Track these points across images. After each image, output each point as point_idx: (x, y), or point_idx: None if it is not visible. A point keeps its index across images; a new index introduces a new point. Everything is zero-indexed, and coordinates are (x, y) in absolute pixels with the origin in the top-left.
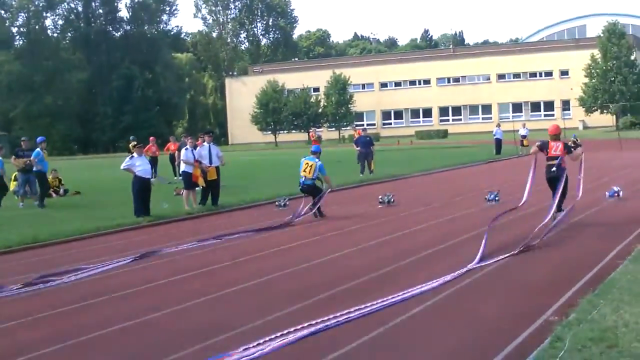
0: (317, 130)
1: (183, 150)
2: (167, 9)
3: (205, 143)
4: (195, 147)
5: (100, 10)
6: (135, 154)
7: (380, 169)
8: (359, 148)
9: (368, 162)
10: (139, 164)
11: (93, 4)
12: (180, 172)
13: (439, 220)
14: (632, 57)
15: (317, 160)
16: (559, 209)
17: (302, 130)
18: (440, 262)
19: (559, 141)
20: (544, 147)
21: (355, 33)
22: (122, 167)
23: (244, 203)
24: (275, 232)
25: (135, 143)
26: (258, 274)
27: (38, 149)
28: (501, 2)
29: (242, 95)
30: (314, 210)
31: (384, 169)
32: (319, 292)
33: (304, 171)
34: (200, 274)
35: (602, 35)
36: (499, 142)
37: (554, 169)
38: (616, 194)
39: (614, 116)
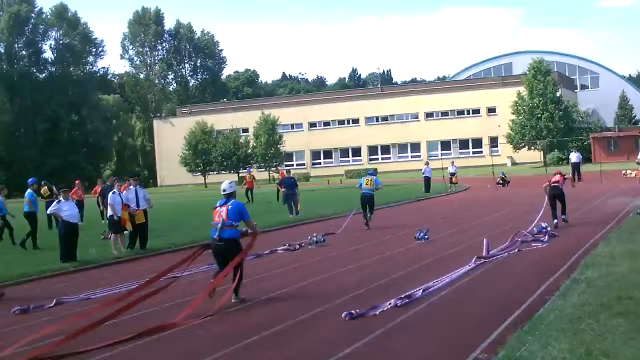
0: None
1: (110, 194)
2: (93, 50)
3: (131, 186)
4: (121, 190)
5: (24, 52)
6: (61, 198)
7: (310, 209)
8: (283, 189)
9: (294, 203)
10: (66, 209)
11: (16, 45)
12: (107, 215)
13: (365, 261)
14: (558, 94)
15: (375, 176)
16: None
17: (232, 171)
18: (367, 301)
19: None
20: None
21: (283, 73)
22: (48, 212)
23: (174, 246)
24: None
25: (47, 187)
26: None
27: None
28: (428, 41)
29: (171, 136)
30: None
31: (313, 208)
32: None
33: (366, 184)
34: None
35: (527, 72)
36: (427, 180)
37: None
38: (544, 230)
39: (541, 152)
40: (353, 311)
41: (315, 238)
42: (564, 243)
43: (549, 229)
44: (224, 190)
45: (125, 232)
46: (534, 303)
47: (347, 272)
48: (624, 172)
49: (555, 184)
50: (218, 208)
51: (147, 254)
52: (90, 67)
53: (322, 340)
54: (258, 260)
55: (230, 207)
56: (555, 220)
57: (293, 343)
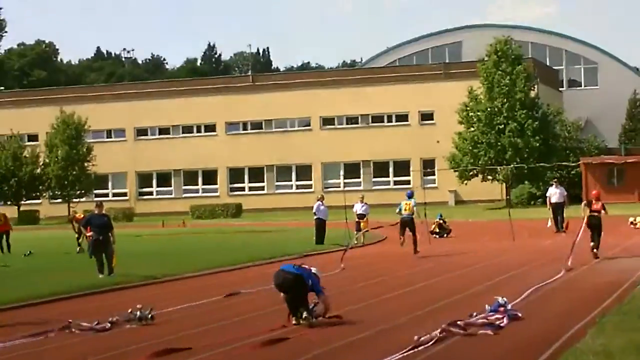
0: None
1: None
2: None
3: None
4: None
5: None
6: None
7: (132, 266)
8: (90, 234)
9: (107, 256)
10: None
11: None
12: None
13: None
14: (533, 94)
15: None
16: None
17: (10, 203)
18: None
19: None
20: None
21: (98, 49)
22: None
23: None
24: None
25: None
26: None
27: None
28: (328, 5)
29: None
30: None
31: (138, 267)
32: None
33: (405, 209)
34: None
35: (486, 58)
36: (321, 225)
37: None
38: (500, 309)
39: (503, 185)
40: None
41: (138, 313)
42: (531, 329)
43: (509, 306)
44: None
45: None
46: None
47: None
48: (632, 220)
49: (595, 213)
50: None
51: None
52: None
53: None
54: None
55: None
56: (595, 250)
57: None
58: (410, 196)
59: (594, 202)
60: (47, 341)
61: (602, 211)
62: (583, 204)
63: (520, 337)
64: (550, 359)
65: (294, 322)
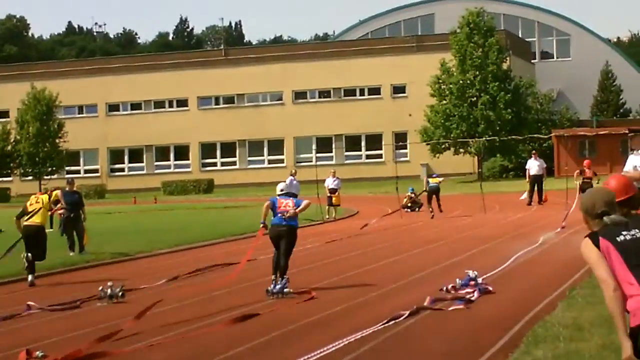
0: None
1: None
2: None
3: None
4: None
5: None
6: None
7: (101, 244)
8: (62, 211)
9: (77, 233)
10: None
11: None
12: None
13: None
14: (505, 66)
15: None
16: None
17: None
18: None
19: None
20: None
21: (69, 23)
22: None
23: None
24: None
25: None
26: None
27: None
28: None
29: None
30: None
31: (106, 244)
32: None
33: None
34: None
35: (458, 30)
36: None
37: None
38: (472, 283)
39: (475, 158)
40: None
41: (108, 290)
42: (502, 302)
43: (479, 279)
44: (282, 190)
45: None
46: None
47: None
48: None
49: (588, 180)
50: (283, 200)
51: None
52: None
53: None
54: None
55: (294, 200)
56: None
57: None
58: (436, 176)
59: (586, 170)
60: (15, 321)
61: (594, 177)
62: (576, 172)
63: (491, 310)
64: (521, 331)
65: (271, 286)
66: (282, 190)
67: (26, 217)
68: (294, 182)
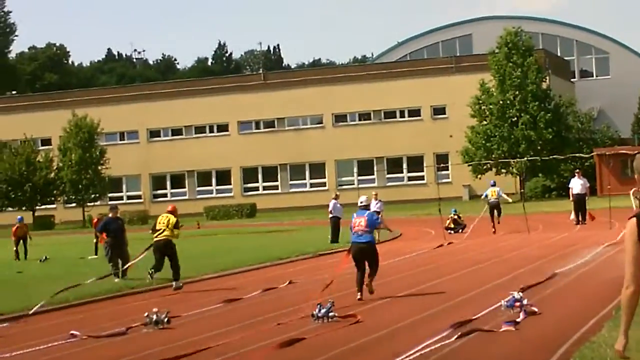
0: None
1: None
2: None
3: None
4: None
5: None
6: None
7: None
8: (108, 239)
9: (122, 259)
10: None
11: None
12: None
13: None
14: (545, 85)
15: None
16: None
17: (25, 208)
18: None
19: None
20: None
21: (109, 50)
22: None
23: None
24: None
25: None
26: None
27: None
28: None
29: None
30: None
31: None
32: None
33: (492, 195)
34: None
35: (497, 50)
36: (336, 223)
37: None
38: (517, 304)
39: (517, 178)
40: None
41: (154, 317)
42: (549, 323)
43: (524, 301)
44: (361, 202)
45: None
46: None
47: None
48: None
49: None
50: (356, 219)
51: None
52: None
53: None
54: None
55: (367, 217)
56: None
57: None
58: (493, 185)
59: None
60: (59, 348)
61: None
62: (632, 191)
63: (538, 332)
64: (568, 352)
65: (358, 297)
66: (361, 203)
67: (155, 234)
68: (338, 205)
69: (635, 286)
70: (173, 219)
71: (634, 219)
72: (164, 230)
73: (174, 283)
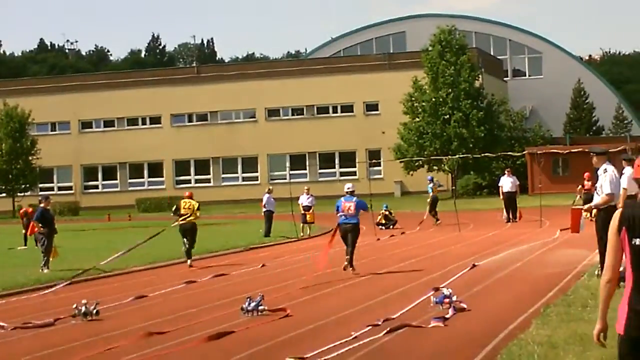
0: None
1: None
2: None
3: None
4: None
5: None
6: None
7: (79, 260)
8: (42, 229)
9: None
10: None
11: None
12: None
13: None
14: (478, 83)
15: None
16: None
17: None
18: None
19: None
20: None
21: (41, 40)
22: None
23: None
24: None
25: None
26: None
27: None
28: None
29: None
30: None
31: (85, 261)
32: None
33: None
34: None
35: (430, 48)
36: (269, 217)
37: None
38: (446, 300)
39: (449, 175)
40: None
41: (83, 308)
42: (478, 320)
43: (454, 298)
44: (348, 188)
45: None
46: None
47: None
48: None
49: (588, 191)
50: (345, 204)
51: None
52: None
53: None
54: None
55: (356, 202)
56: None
57: None
58: (431, 180)
59: (585, 182)
60: None
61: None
62: (578, 187)
63: (466, 328)
64: (496, 349)
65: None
66: (348, 189)
67: (180, 219)
68: (271, 199)
69: (611, 275)
70: (195, 203)
71: (619, 211)
72: (190, 214)
73: (188, 261)
